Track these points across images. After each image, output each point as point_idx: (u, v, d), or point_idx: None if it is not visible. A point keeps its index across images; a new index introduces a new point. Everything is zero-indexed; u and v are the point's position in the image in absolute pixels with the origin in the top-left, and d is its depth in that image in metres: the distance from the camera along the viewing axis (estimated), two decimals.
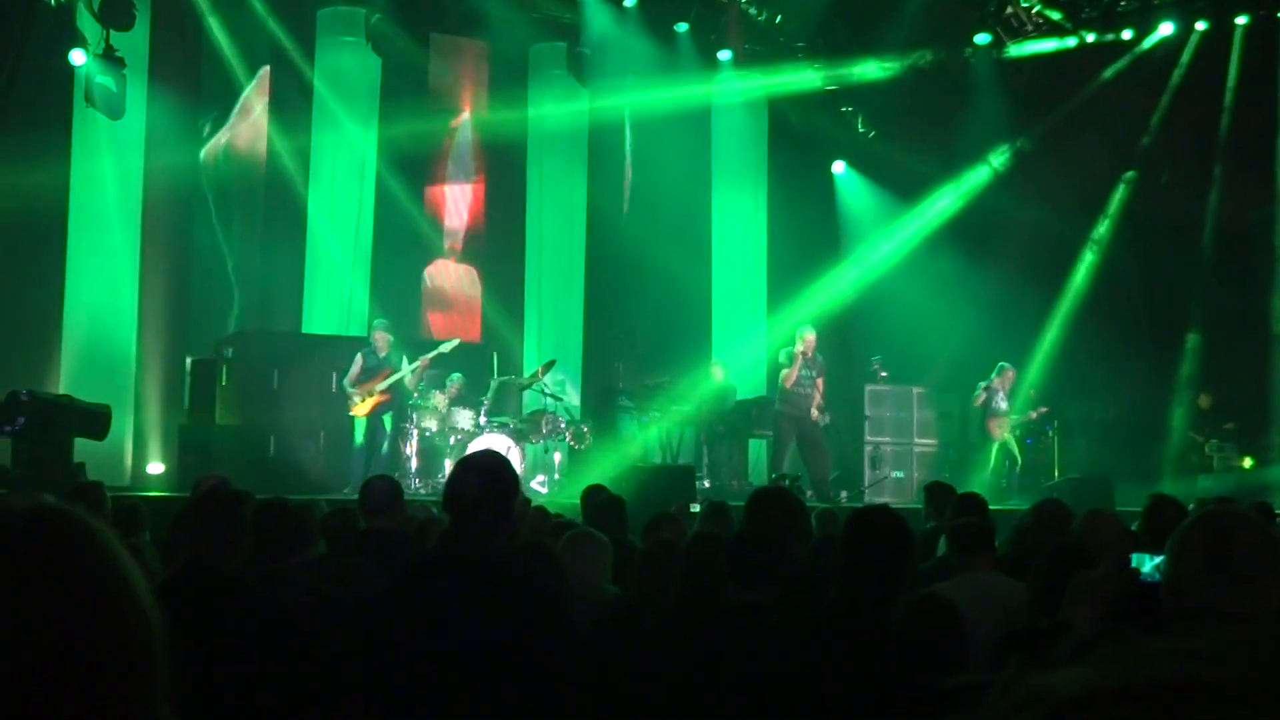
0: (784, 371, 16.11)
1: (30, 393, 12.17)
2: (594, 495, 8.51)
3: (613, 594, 5.54)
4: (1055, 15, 17.86)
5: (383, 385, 14.77)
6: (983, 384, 17.03)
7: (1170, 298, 18.78)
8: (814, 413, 16.10)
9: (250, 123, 17.08)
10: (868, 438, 17.71)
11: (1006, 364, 17.16)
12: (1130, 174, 18.94)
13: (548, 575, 4.43)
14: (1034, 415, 17.18)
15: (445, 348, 15.26)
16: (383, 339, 15.03)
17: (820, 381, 16.19)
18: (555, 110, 18.59)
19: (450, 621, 3.81)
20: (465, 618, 3.80)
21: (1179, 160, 18.63)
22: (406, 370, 14.96)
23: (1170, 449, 17.93)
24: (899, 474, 17.62)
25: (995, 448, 17.00)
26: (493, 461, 4.17)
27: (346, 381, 14.81)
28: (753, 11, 18.88)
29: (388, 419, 15.01)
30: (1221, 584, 2.51)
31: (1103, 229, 19.06)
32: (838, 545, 5.08)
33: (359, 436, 14.91)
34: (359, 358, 14.87)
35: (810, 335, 16.17)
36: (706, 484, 16.14)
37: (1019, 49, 18.43)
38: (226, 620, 4.44)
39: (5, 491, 10.86)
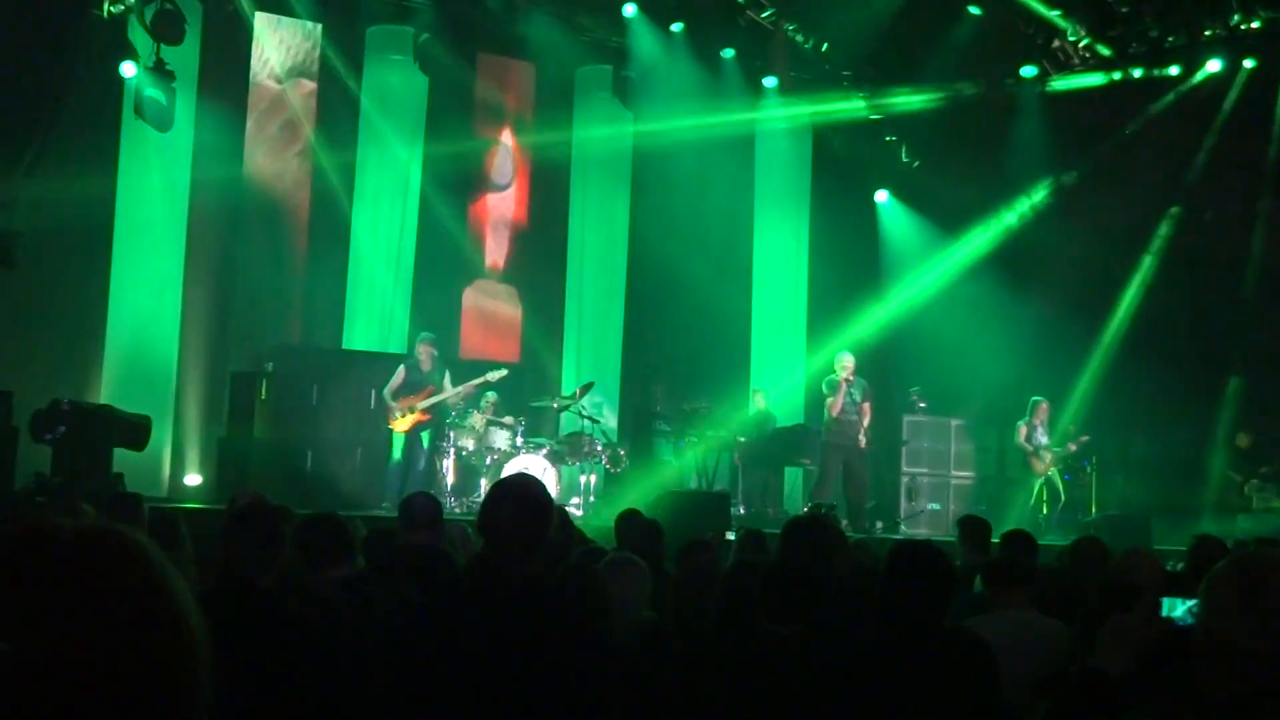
0: (829, 400, 15.98)
1: (72, 402, 12.28)
2: (630, 520, 8.49)
3: (650, 619, 5.51)
4: (1102, 50, 17.80)
5: (425, 404, 14.82)
6: (1021, 422, 16.96)
7: (1213, 335, 18.62)
8: (861, 440, 15.99)
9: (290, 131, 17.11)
10: (905, 468, 17.63)
11: (1040, 398, 17.08)
12: (1175, 209, 18.81)
13: (585, 600, 4.41)
14: (1073, 446, 17.06)
15: (493, 376, 15.30)
16: (427, 353, 15.07)
17: (867, 406, 16.06)
18: (600, 133, 18.67)
19: (482, 645, 3.81)
20: (498, 641, 3.80)
21: (1224, 197, 18.49)
22: (451, 393, 15.01)
23: (1209, 488, 17.75)
24: (935, 506, 17.53)
25: (1039, 483, 16.89)
26: (529, 486, 4.17)
27: (386, 392, 14.88)
28: (799, 39, 18.89)
29: (425, 436, 15.06)
30: (1253, 625, 2.50)
31: (1146, 264, 18.92)
32: (872, 577, 5.05)
33: (396, 453, 14.95)
34: (401, 369, 14.96)
35: (849, 360, 16.08)
36: (741, 510, 16.13)
37: (1065, 82, 18.37)
38: (257, 635, 4.45)
39: (43, 499, 10.95)
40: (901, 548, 4.64)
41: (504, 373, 15.49)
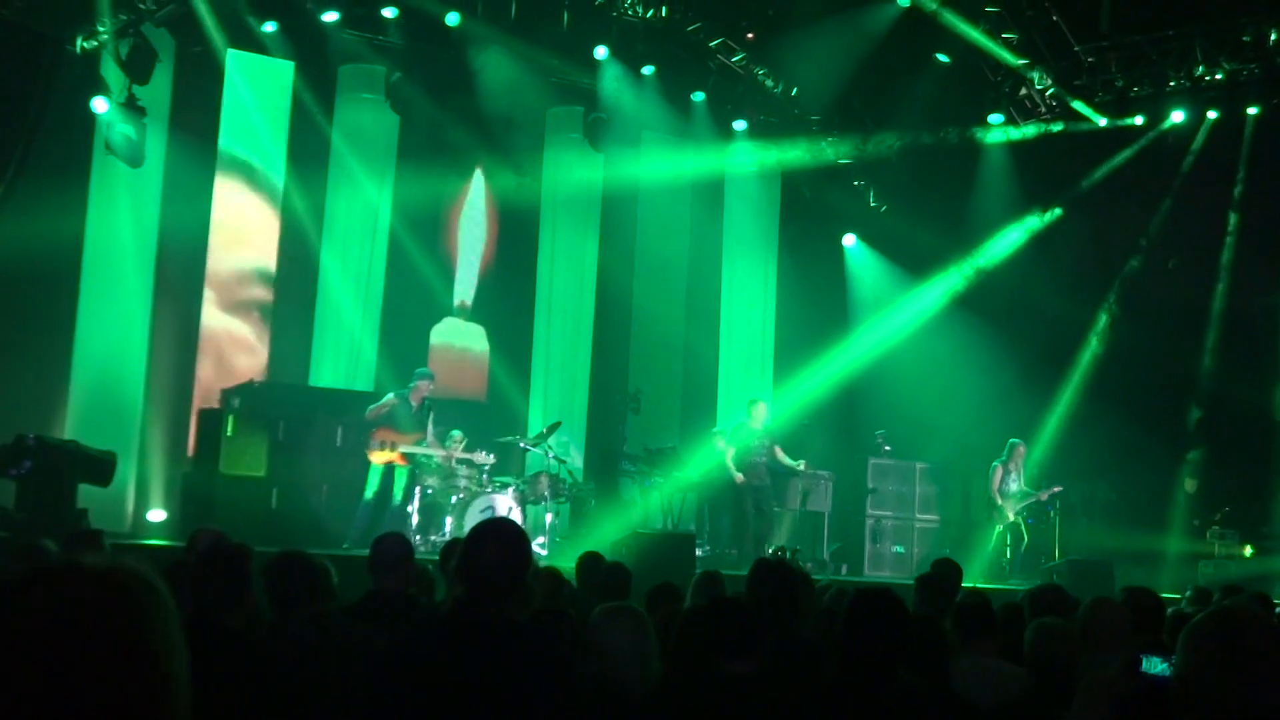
0: (729, 449, 16.27)
1: (37, 437, 12.19)
2: (592, 563, 8.46)
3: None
4: (1068, 99, 17.99)
5: (406, 449, 14.67)
6: (996, 463, 16.91)
7: (1176, 382, 18.78)
8: (801, 465, 16.47)
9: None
10: (869, 511, 17.65)
11: (1017, 440, 17.06)
12: (1139, 257, 18.99)
13: (560, 643, 4.41)
14: (1044, 495, 16.98)
15: (480, 458, 15.17)
16: (425, 389, 14.87)
17: (776, 447, 16.38)
18: (569, 173, 18.73)
19: (462, 686, 3.81)
20: (477, 682, 3.80)
21: (1187, 245, 18.70)
22: (432, 450, 14.84)
23: (1172, 534, 17.86)
24: (900, 549, 17.57)
25: (1004, 527, 16.82)
26: (510, 529, 4.18)
27: (369, 412, 14.69)
28: (769, 84, 19.03)
29: (402, 475, 14.81)
30: (1231, 679, 2.53)
31: (1110, 311, 19.09)
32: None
33: (369, 490, 14.66)
34: (391, 397, 14.76)
35: (756, 406, 16.38)
36: (705, 551, 16.11)
37: (1032, 130, 18.55)
38: (229, 676, 4.44)
39: (6, 534, 10.85)
40: (861, 594, 4.63)
41: (493, 460, 15.36)
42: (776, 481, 16.80)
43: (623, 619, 4.85)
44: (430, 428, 14.90)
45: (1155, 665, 2.98)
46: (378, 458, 14.61)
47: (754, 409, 16.39)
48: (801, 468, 16.62)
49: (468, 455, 15.17)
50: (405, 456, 14.72)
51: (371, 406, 14.75)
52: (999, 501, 16.75)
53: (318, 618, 5.66)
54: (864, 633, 4.36)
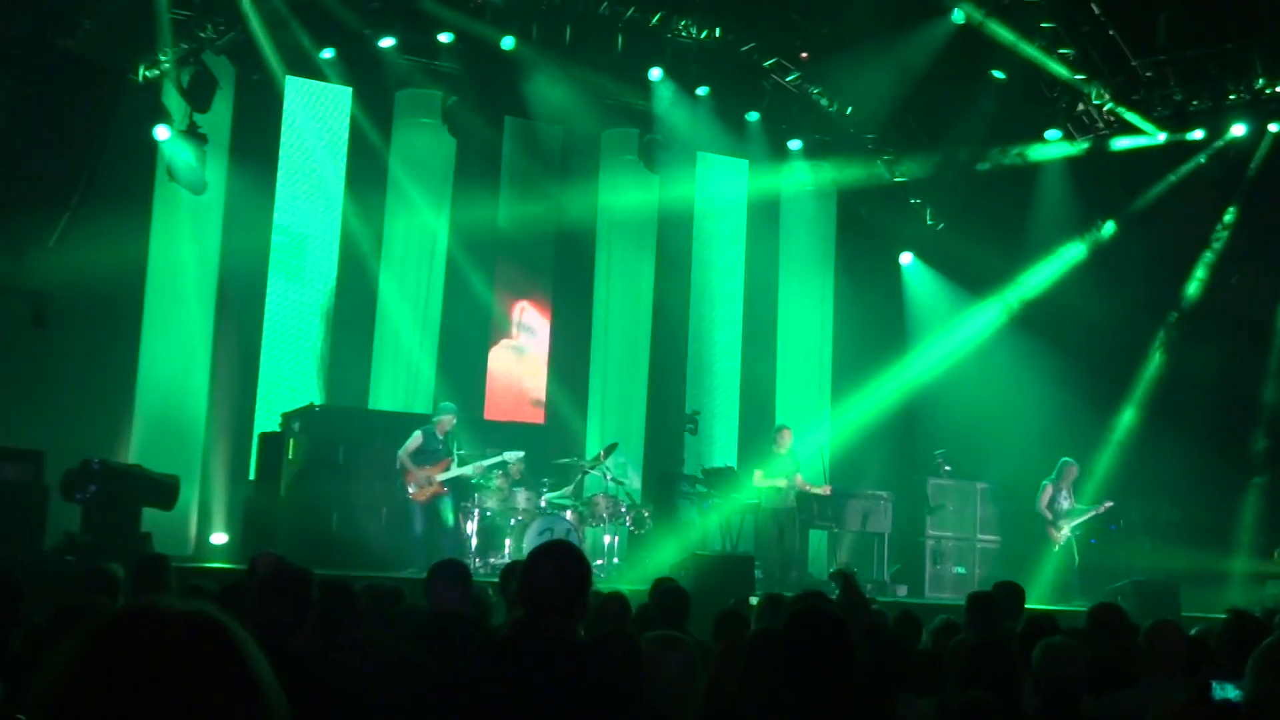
0: (757, 471, 16.40)
1: (102, 461, 12.35)
2: (662, 587, 8.40)
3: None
4: (1126, 114, 17.84)
5: (442, 477, 14.74)
6: (1047, 481, 16.78)
7: (1240, 397, 18.51)
8: (824, 489, 16.64)
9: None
10: (930, 532, 17.49)
11: (1069, 460, 16.90)
12: (1201, 272, 18.78)
13: (622, 664, 4.39)
14: (1100, 509, 16.80)
15: (510, 457, 15.24)
16: (449, 424, 15.00)
17: (798, 476, 16.50)
18: (625, 195, 18.77)
19: (524, 707, 3.81)
20: (540, 703, 3.81)
21: (1251, 259, 18.48)
22: (462, 470, 14.90)
23: (1238, 553, 17.58)
24: (961, 569, 17.41)
25: (1059, 548, 16.64)
26: (567, 550, 4.18)
27: (402, 453, 14.77)
28: (824, 103, 19.01)
29: (447, 505, 14.85)
30: None
31: (1173, 327, 18.87)
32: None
33: (416, 520, 14.77)
34: (419, 435, 14.83)
35: (781, 433, 16.54)
36: (763, 572, 16.06)
37: (1089, 146, 18.40)
38: (292, 700, 4.45)
39: (72, 558, 10.97)
40: (800, 616, 4.41)
41: (521, 455, 15.42)
42: (835, 502, 16.78)
43: (674, 649, 4.78)
44: (455, 453, 14.96)
45: (1228, 691, 2.94)
46: (421, 495, 14.66)
47: (779, 435, 16.54)
48: (825, 492, 16.70)
49: (498, 458, 15.19)
50: (444, 484, 14.79)
51: (402, 450, 14.80)
52: (1048, 517, 16.63)
53: (360, 641, 5.71)
54: (802, 651, 4.23)
